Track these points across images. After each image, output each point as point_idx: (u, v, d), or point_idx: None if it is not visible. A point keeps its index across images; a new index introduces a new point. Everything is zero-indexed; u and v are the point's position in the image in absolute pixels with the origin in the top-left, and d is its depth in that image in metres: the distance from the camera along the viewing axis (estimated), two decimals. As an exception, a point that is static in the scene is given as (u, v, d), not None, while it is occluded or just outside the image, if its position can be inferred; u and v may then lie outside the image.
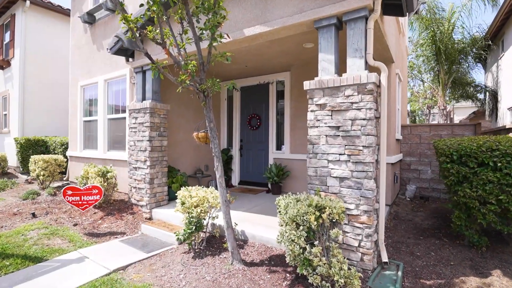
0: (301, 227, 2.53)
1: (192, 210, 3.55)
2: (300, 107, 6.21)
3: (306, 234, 2.52)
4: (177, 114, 6.19)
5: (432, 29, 10.64)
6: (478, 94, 13.64)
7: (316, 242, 2.55)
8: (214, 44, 3.10)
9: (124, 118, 6.08)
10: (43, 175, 6.69)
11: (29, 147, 8.85)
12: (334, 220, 2.64)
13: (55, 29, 10.46)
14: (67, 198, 4.42)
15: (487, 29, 11.44)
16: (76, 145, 7.44)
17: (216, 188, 3.71)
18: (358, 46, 3.17)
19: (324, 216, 2.56)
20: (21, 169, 9.19)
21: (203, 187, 3.96)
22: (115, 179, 5.43)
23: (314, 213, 2.54)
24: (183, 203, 3.59)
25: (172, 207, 5.11)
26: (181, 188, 3.91)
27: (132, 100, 5.83)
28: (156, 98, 5.30)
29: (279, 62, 5.99)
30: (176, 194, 3.91)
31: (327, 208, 2.58)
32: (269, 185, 6.54)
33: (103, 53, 6.63)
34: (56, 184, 7.45)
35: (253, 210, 4.94)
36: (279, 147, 6.66)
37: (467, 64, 12.60)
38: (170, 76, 3.04)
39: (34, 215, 5.05)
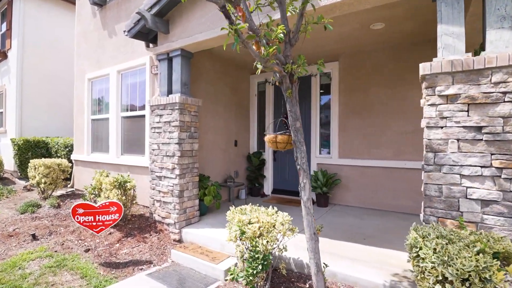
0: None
1: (256, 241, 2.56)
2: (351, 103, 5.24)
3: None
4: (205, 110, 5.19)
5: None
6: None
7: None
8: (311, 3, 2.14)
9: (143, 116, 5.08)
10: (45, 183, 5.68)
11: (28, 149, 7.82)
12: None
13: (56, 17, 9.43)
14: (77, 218, 3.41)
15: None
16: (83, 148, 6.43)
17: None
18: (507, 11, 2.19)
19: (511, 268, 1.58)
20: (19, 173, 8.17)
21: (259, 206, 2.99)
22: (134, 190, 4.43)
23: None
24: (242, 232, 2.59)
25: (204, 225, 4.12)
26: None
27: (154, 94, 4.82)
28: (186, 91, 4.30)
29: (328, 49, 5.02)
30: (226, 210, 2.92)
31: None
32: (314, 196, 5.55)
33: (116, 40, 5.62)
34: (59, 192, 6.44)
35: (310, 231, 3.95)
36: (322, 150, 5.68)
37: None
38: (252, 49, 2.04)
39: (34, 236, 4.05)
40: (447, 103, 2.31)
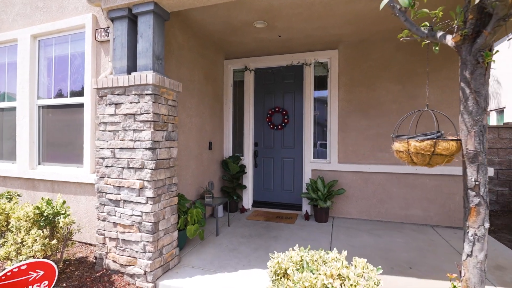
0: None
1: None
2: (355, 100, 4.50)
3: None
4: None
5: None
6: None
7: None
8: None
9: (81, 105, 3.34)
10: None
11: None
12: None
13: None
14: (-45, 301, 1.70)
15: None
16: (-33, 154, 4.15)
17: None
18: None
19: None
20: None
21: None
22: (70, 225, 2.73)
23: None
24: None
25: (190, 270, 2.77)
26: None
27: (102, 73, 3.17)
28: (160, 69, 2.85)
29: (332, 33, 4.15)
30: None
31: None
32: (308, 209, 4.63)
33: (29, -12, 3.67)
34: None
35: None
36: (318, 154, 4.81)
37: None
38: None
39: None
40: None
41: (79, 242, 3.35)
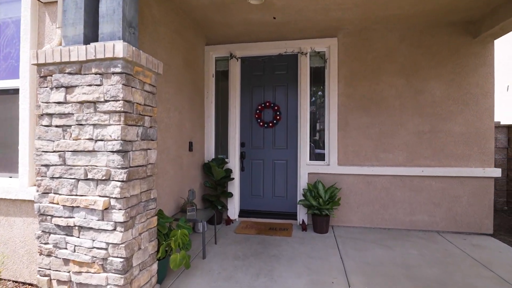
0: None
1: None
2: (357, 95, 4.04)
3: None
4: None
5: None
6: None
7: None
8: None
9: (14, 91, 2.40)
10: None
11: None
12: None
13: None
14: None
15: None
16: None
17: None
18: None
19: None
20: None
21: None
22: (-6, 264, 1.84)
23: None
24: None
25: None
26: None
27: (46, 44, 2.28)
28: (133, 39, 2.06)
29: (335, 17, 3.64)
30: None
31: None
32: (305, 218, 4.07)
33: None
34: None
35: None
36: (315, 155, 4.27)
37: None
38: None
39: None
40: None
41: (13, 281, 2.40)
